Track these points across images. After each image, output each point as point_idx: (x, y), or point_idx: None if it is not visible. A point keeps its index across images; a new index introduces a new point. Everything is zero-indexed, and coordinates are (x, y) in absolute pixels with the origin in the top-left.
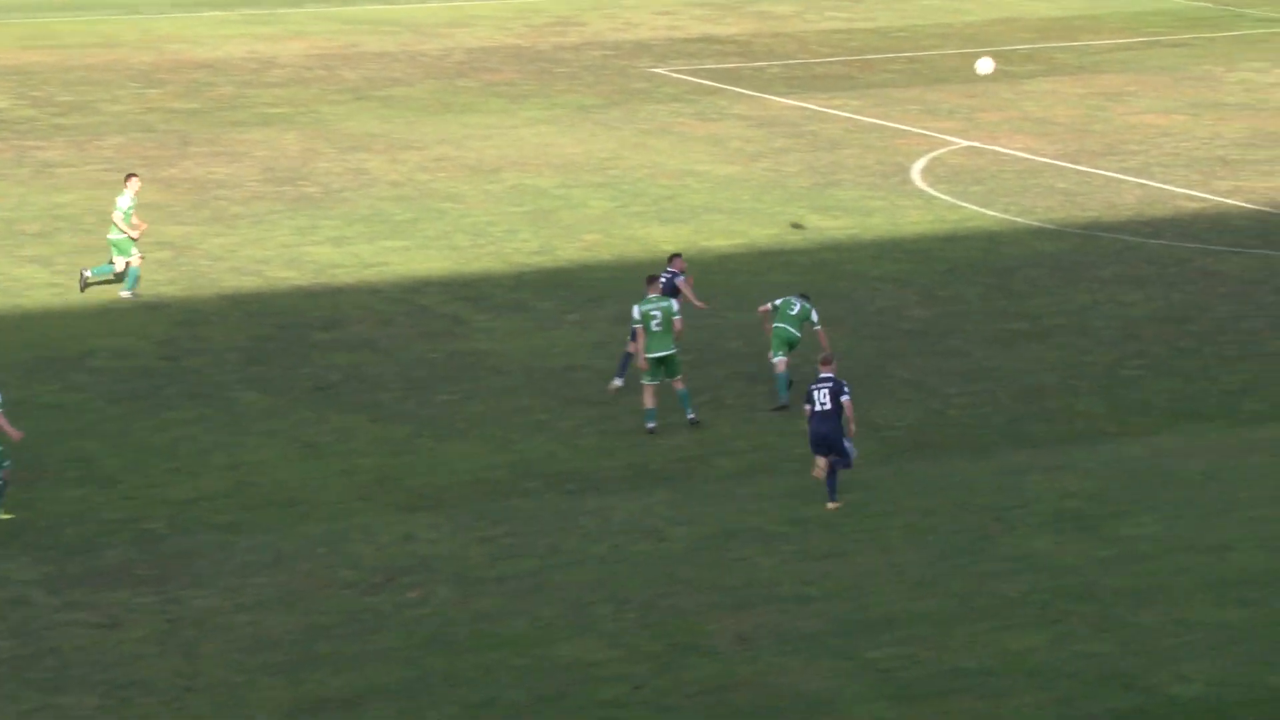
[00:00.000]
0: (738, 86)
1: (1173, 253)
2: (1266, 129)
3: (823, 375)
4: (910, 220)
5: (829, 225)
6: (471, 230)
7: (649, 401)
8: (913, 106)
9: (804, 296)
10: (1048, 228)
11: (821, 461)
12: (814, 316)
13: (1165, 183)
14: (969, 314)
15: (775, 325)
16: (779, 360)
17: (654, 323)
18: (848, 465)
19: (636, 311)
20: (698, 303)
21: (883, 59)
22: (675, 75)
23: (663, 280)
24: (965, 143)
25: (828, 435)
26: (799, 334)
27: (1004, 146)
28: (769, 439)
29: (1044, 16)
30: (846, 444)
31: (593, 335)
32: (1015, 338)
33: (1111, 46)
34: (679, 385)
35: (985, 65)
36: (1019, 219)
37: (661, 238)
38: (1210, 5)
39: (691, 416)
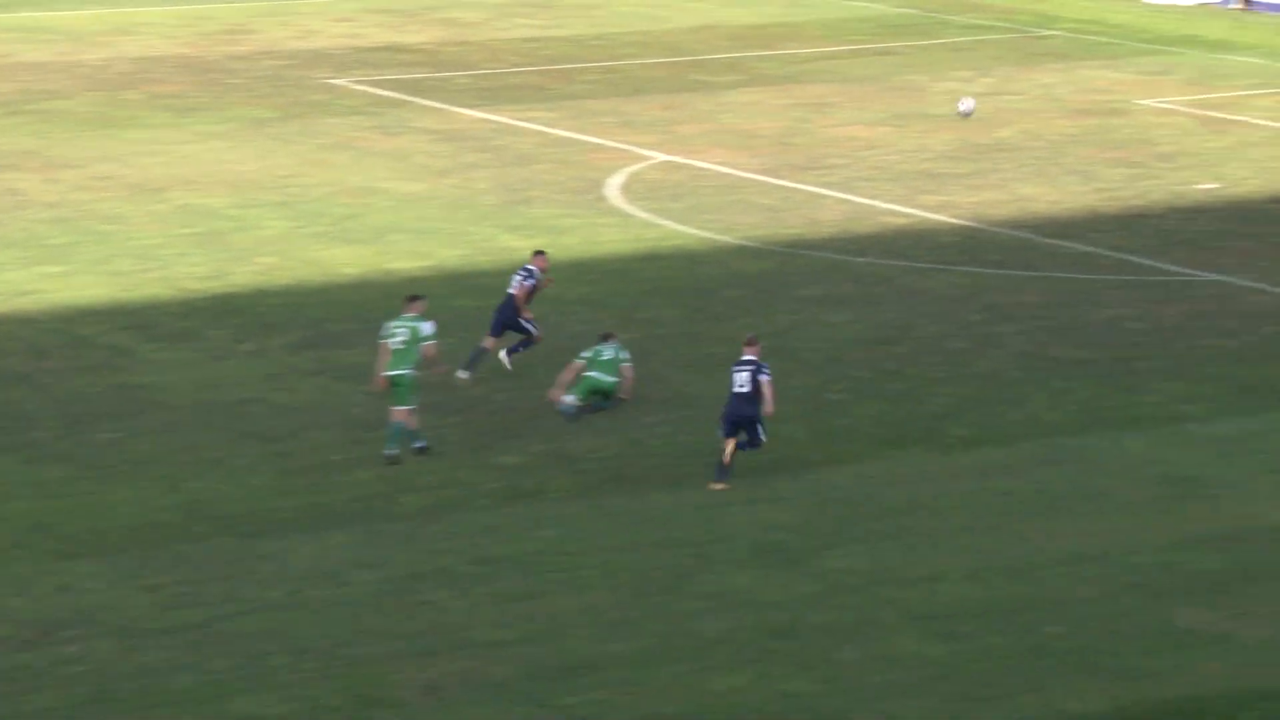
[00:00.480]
0: (423, 98)
1: (877, 271)
2: (972, 141)
3: (745, 357)
4: (607, 239)
5: (521, 245)
6: (136, 254)
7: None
8: (609, 119)
9: (607, 337)
10: (749, 246)
11: (730, 446)
12: (624, 354)
13: (870, 198)
14: (668, 338)
15: (586, 374)
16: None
17: (396, 340)
18: (756, 446)
19: (384, 327)
20: (525, 312)
21: (577, 69)
22: (356, 86)
23: (520, 276)
24: (664, 157)
25: (743, 417)
26: (613, 378)
27: (704, 161)
28: (459, 474)
29: (743, 24)
30: (759, 428)
31: (268, 366)
32: (716, 362)
33: (814, 55)
34: (399, 416)
35: (966, 105)
36: (720, 237)
37: (343, 260)
38: (915, 12)
39: (417, 446)
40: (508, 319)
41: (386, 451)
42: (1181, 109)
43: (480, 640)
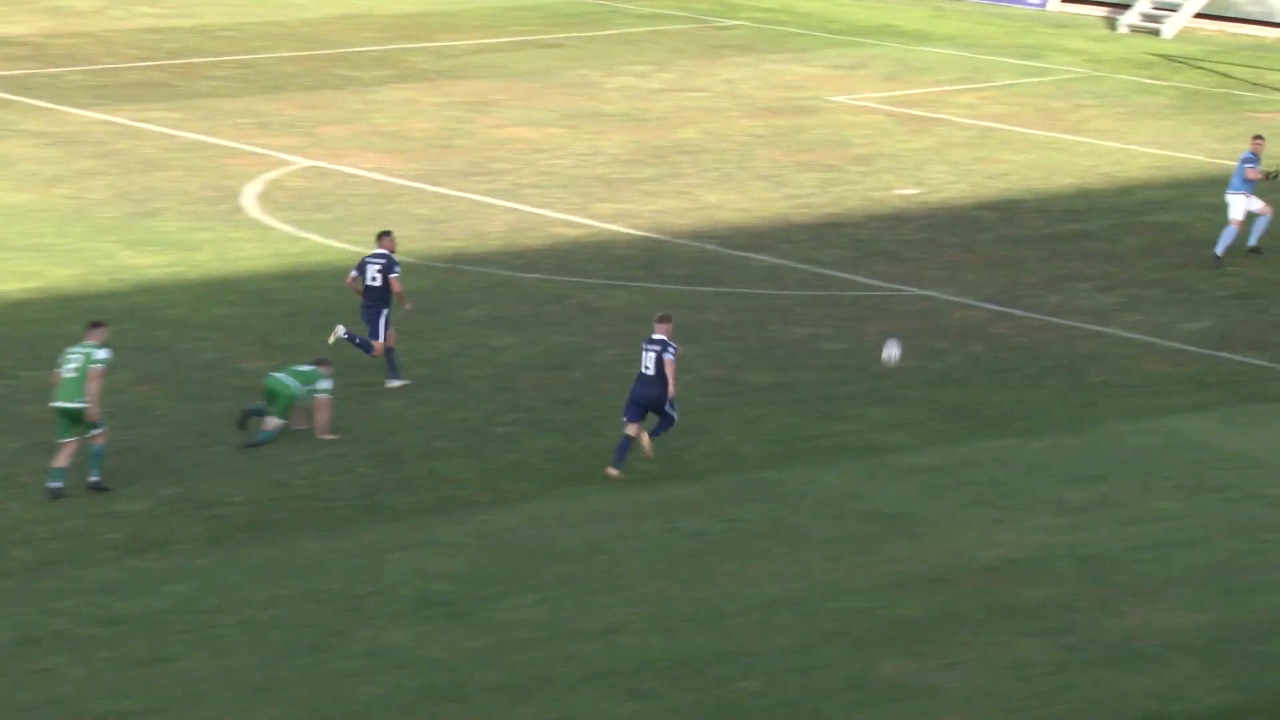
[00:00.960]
0: (29, 97)
1: (549, 288)
2: (650, 143)
3: (655, 336)
4: (243, 255)
5: (145, 263)
6: None
7: (60, 460)
8: (244, 120)
9: (320, 363)
10: (406, 261)
11: (632, 429)
12: (323, 385)
13: (539, 206)
14: None
15: (274, 376)
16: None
17: (68, 368)
18: (669, 424)
19: (61, 354)
20: (406, 303)
21: (206, 64)
22: None
23: (374, 265)
24: (307, 162)
25: (649, 399)
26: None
27: (353, 166)
28: (75, 523)
29: (394, 13)
30: (668, 407)
31: None
32: (371, 393)
33: (473, 48)
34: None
35: (891, 353)
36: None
37: None
38: (584, 0)
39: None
40: (374, 314)
41: (51, 485)
42: (877, 106)
43: (101, 712)
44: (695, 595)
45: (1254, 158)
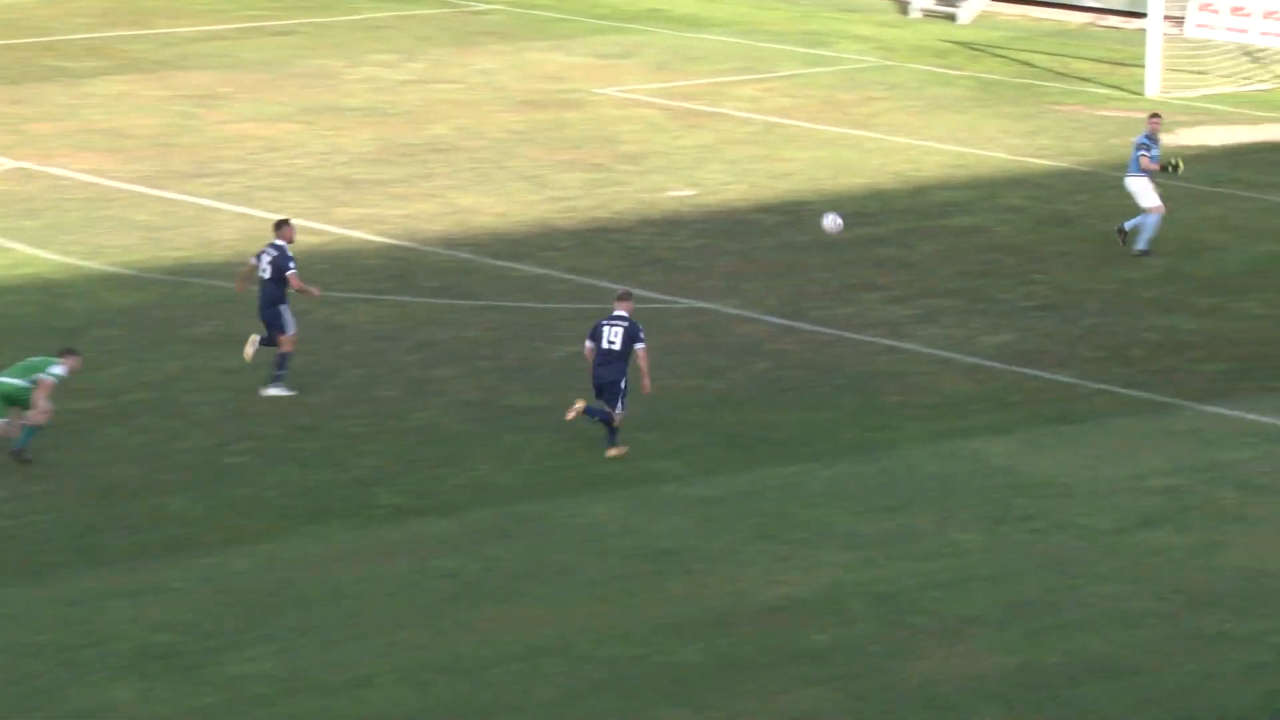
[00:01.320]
0: None
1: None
2: (398, 140)
3: (617, 313)
4: None
5: None
6: None
7: None
8: None
9: (66, 353)
10: (124, 274)
11: (580, 405)
12: (55, 370)
13: (274, 211)
14: None
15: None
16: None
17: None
18: (607, 420)
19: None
20: (312, 289)
21: None
22: None
23: (267, 255)
24: (12, 163)
25: (608, 381)
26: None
27: (64, 168)
28: None
29: None
30: (621, 398)
31: None
32: (85, 421)
33: (197, 35)
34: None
35: (832, 223)
36: (86, 263)
37: None
38: None
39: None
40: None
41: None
42: (648, 100)
43: None
44: (449, 643)
45: (1149, 142)
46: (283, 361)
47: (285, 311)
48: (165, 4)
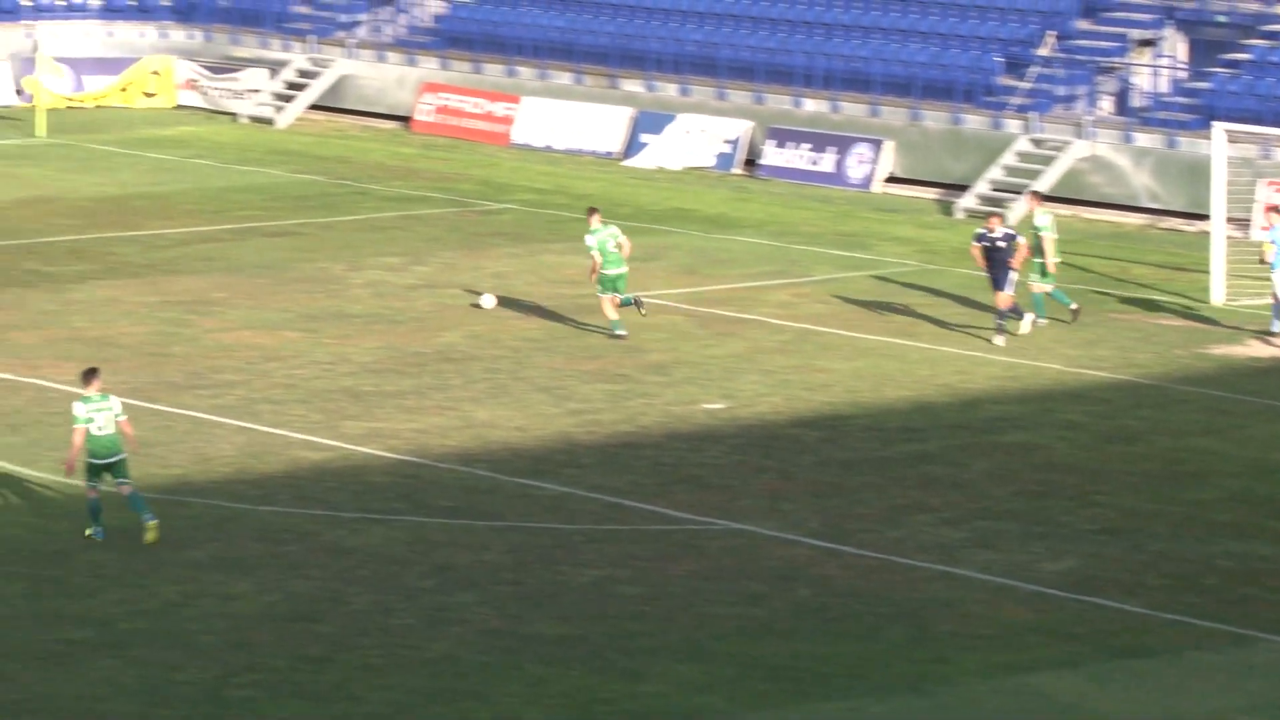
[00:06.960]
0: None
1: (290, 523)
2: (407, 349)
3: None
4: None
5: None
6: None
7: None
8: None
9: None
10: (116, 492)
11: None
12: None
13: (276, 425)
14: (14, 619)
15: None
16: None
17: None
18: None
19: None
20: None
21: None
22: None
23: None
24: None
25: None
26: None
27: (50, 379)
28: None
29: (90, 196)
30: None
31: None
32: (76, 651)
33: (188, 236)
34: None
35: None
36: (72, 482)
37: None
38: (322, 179)
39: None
40: None
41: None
42: (675, 305)
43: None
44: None
45: None
46: None
47: None
48: (154, 204)
